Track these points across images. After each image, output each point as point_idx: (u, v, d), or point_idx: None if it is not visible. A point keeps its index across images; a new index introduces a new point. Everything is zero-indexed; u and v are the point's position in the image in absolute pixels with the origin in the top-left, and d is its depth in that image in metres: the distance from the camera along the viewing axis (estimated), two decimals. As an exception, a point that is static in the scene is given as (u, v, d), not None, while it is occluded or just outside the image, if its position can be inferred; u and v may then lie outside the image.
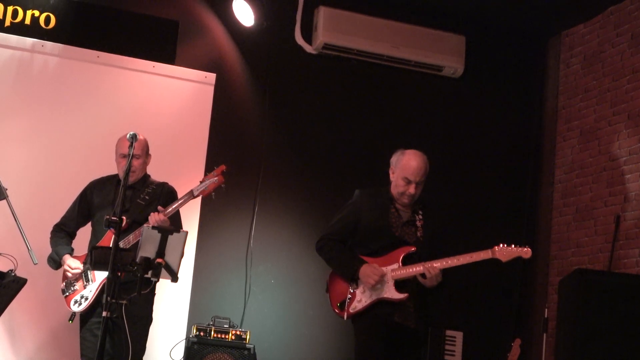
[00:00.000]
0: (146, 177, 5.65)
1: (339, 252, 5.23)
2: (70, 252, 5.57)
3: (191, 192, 5.25)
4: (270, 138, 7.36)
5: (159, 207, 5.24)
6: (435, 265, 4.94)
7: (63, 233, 5.69)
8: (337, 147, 7.56)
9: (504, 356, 6.27)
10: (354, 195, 5.34)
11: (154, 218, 5.16)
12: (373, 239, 5.16)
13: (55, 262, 5.56)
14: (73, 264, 5.44)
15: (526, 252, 4.97)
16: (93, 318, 5.34)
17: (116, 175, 5.64)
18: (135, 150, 5.40)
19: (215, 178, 5.17)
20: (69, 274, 5.43)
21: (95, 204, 5.61)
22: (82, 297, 5.35)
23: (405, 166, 5.14)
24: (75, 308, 5.35)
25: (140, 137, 5.47)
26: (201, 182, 5.26)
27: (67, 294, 5.45)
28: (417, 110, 7.84)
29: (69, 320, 5.38)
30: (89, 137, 6.64)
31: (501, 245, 4.95)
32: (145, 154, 5.57)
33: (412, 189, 5.11)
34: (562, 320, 6.33)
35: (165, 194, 5.55)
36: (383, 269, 5.04)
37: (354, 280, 5.12)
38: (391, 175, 5.25)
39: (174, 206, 5.25)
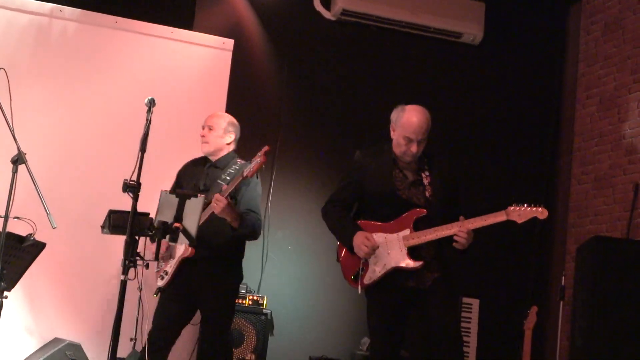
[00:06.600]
0: (232, 156, 5.56)
1: (337, 220, 4.94)
2: None
3: (242, 173, 5.20)
4: (288, 104, 7.36)
5: (223, 187, 5.18)
6: (452, 228, 4.64)
7: None
8: (355, 114, 7.55)
9: (521, 323, 6.26)
10: (355, 157, 5.01)
11: (214, 204, 5.10)
12: (380, 204, 4.84)
13: None
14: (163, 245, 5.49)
15: (542, 212, 4.63)
16: (167, 289, 5.40)
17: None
18: (208, 121, 5.52)
19: (258, 159, 5.12)
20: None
21: (183, 181, 5.61)
22: (165, 272, 5.40)
23: (406, 124, 4.75)
24: (159, 283, 5.41)
25: (220, 114, 5.66)
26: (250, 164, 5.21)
27: (157, 269, 5.51)
28: (436, 77, 7.82)
29: (154, 294, 5.43)
30: (106, 102, 6.65)
31: (514, 206, 4.62)
32: (221, 128, 5.52)
33: (413, 148, 4.74)
34: (579, 288, 6.33)
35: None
36: (385, 236, 4.76)
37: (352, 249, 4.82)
38: (392, 133, 4.88)
39: (230, 188, 5.18)
